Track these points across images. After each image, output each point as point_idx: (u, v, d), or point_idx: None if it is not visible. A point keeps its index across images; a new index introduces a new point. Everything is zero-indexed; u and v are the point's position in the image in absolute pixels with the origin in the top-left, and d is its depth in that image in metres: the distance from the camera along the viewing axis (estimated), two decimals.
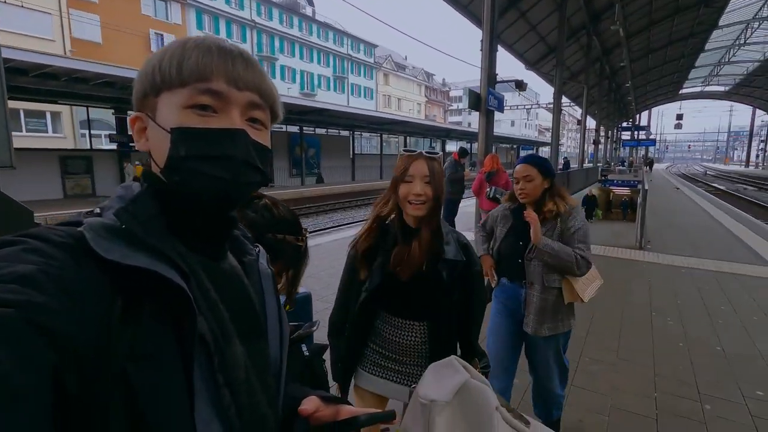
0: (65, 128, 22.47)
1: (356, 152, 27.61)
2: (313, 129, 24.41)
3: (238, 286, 0.58)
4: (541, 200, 2.03)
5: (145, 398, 0.41)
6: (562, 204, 2.00)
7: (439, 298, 1.34)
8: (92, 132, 17.67)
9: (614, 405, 2.62)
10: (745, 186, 27.37)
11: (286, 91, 35.86)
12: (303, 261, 1.17)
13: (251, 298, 0.59)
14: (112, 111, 15.34)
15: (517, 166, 2.07)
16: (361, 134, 29.56)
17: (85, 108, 15.81)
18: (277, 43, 38.26)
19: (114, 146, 15.78)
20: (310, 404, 0.59)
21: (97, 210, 0.49)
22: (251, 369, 0.54)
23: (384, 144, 31.09)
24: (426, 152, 1.31)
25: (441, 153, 1.34)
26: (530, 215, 1.94)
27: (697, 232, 8.64)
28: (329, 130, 25.80)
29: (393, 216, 1.36)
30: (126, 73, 11.13)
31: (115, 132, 15.39)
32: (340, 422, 0.56)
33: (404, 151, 1.33)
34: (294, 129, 23.02)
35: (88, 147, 17.81)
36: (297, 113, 19.97)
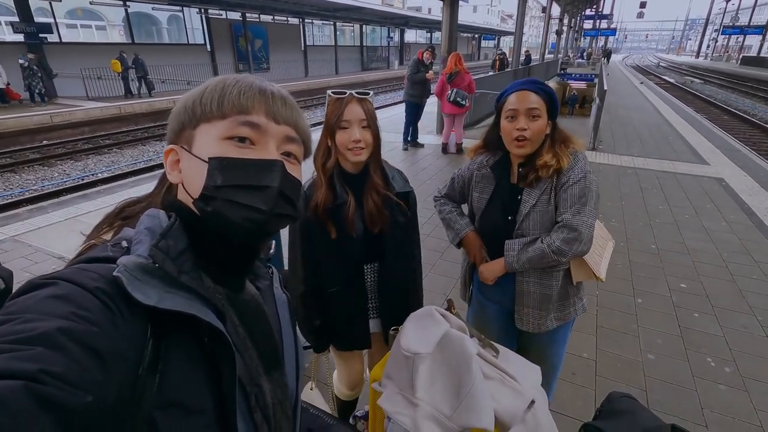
0: None
1: (308, 44, 25.27)
2: (257, 16, 21.67)
3: (260, 317, 0.58)
4: (536, 150, 1.38)
5: None
6: (565, 157, 1.33)
7: (393, 235, 1.38)
8: None
9: None
10: (692, 79, 28.19)
11: None
12: None
13: (272, 330, 0.59)
14: None
15: (512, 95, 1.34)
16: (312, 22, 26.67)
17: None
18: None
19: (20, 37, 13.43)
20: None
21: (124, 244, 0.48)
22: (276, 404, 0.56)
23: (338, 33, 28.51)
24: (356, 92, 1.25)
25: (371, 92, 1.29)
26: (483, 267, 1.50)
27: (645, 130, 9.01)
28: (276, 18, 23.02)
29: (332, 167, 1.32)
30: None
31: (18, 20, 12.99)
32: None
33: (332, 93, 1.25)
34: (235, 16, 20.33)
35: None
36: None
